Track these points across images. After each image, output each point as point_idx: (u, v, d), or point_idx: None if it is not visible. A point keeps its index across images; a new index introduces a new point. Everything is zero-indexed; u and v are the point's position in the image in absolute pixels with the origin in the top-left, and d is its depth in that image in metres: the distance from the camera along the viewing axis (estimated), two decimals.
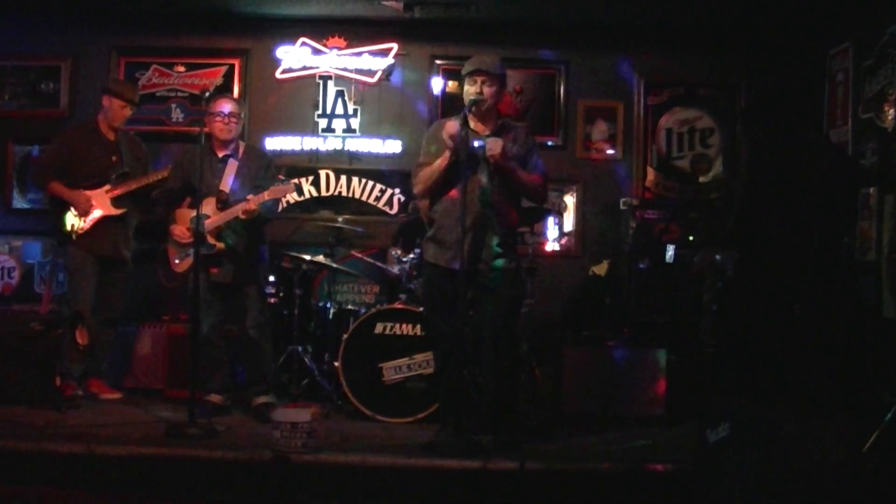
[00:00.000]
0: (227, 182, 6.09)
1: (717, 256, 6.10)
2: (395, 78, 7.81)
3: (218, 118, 6.08)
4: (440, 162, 5.12)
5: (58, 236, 6.44)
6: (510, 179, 5.13)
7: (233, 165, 6.13)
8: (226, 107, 6.11)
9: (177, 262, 6.09)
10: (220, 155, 6.16)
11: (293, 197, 7.60)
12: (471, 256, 5.03)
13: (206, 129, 5.98)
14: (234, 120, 6.12)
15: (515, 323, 5.38)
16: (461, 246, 4.93)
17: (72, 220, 6.30)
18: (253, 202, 5.89)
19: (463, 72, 5.24)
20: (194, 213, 5.87)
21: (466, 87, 5.18)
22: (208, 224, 5.96)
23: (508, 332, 5.22)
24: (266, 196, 5.88)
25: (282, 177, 6.39)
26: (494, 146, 5.01)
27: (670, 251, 6.54)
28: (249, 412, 6.05)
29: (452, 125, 5.05)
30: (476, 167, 5.08)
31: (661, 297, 6.77)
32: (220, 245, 6.01)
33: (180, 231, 6.00)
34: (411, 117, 7.74)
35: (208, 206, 6.01)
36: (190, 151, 6.18)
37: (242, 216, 5.93)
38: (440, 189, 5.21)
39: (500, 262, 5.14)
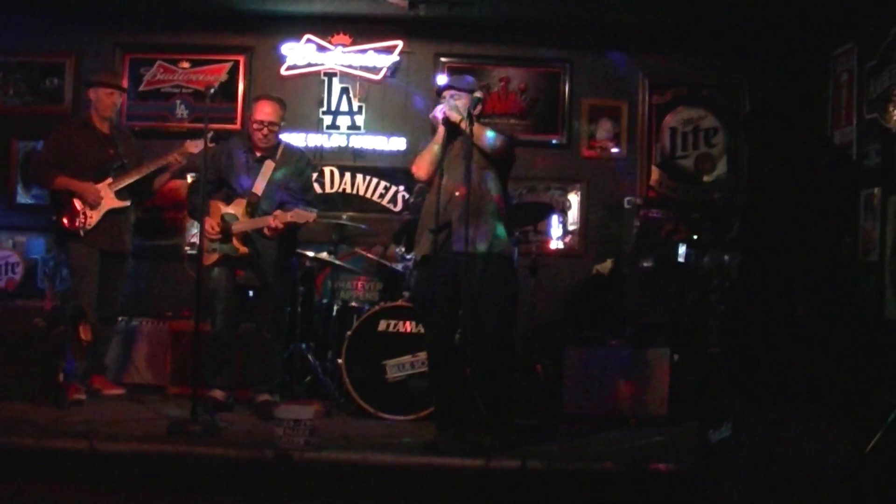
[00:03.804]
0: (261, 185, 6.11)
1: (725, 257, 6.10)
2: (400, 75, 7.81)
3: (256, 127, 6.11)
4: (437, 137, 5.40)
5: (60, 232, 6.40)
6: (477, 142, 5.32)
7: (269, 167, 6.14)
8: (265, 115, 6.12)
9: (206, 253, 6.06)
10: (258, 155, 6.17)
11: None
12: (458, 240, 5.10)
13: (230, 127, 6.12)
14: (273, 129, 6.14)
15: (511, 322, 5.39)
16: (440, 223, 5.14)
17: (79, 215, 6.27)
18: (279, 220, 5.89)
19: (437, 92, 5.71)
20: (226, 208, 6.04)
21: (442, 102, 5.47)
22: (235, 228, 5.99)
23: (503, 332, 5.24)
24: (289, 218, 5.88)
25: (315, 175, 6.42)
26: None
27: (682, 251, 6.53)
28: (252, 409, 6.07)
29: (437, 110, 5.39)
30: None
31: (664, 296, 6.76)
32: (244, 249, 6.02)
33: (210, 225, 5.99)
34: (415, 115, 7.73)
35: (238, 208, 6.04)
36: (223, 146, 6.21)
37: (267, 233, 5.96)
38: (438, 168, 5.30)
39: (493, 245, 5.20)
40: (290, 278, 6.48)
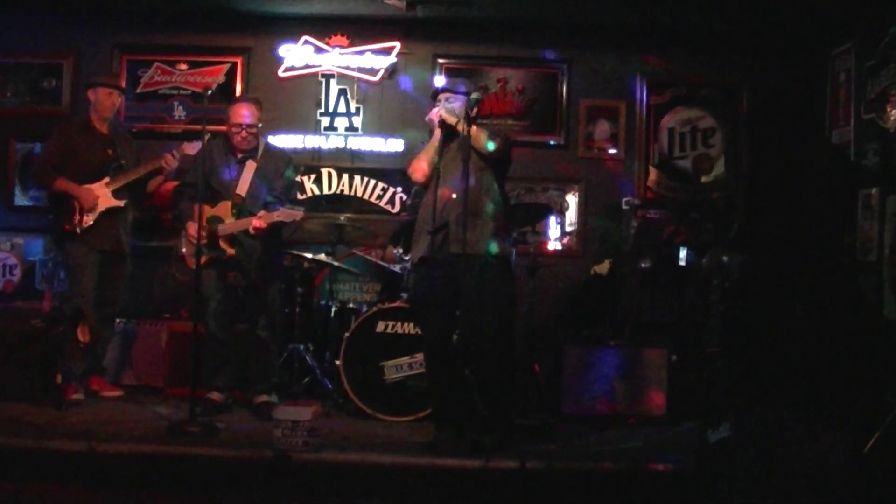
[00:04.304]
0: (244, 186, 6.09)
1: (725, 258, 6.09)
2: (398, 77, 7.81)
3: (235, 130, 6.09)
4: (433, 139, 5.42)
5: (57, 233, 6.40)
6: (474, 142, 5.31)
7: (251, 167, 6.13)
8: (244, 118, 6.10)
9: (192, 258, 6.04)
10: (239, 156, 6.16)
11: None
12: (455, 241, 5.11)
13: (224, 128, 6.14)
14: (252, 130, 6.13)
15: (509, 322, 5.39)
16: (436, 224, 5.14)
17: (76, 215, 6.27)
18: (264, 220, 5.88)
19: (432, 95, 5.70)
20: (211, 211, 6.01)
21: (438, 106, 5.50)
22: (221, 230, 5.98)
23: (502, 332, 5.23)
24: (276, 217, 5.87)
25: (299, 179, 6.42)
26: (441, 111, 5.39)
27: (683, 253, 6.53)
28: (250, 410, 6.06)
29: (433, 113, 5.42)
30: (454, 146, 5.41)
31: (663, 296, 6.76)
32: (232, 251, 6.01)
33: (195, 230, 5.96)
34: (413, 116, 7.69)
35: (223, 210, 6.03)
36: (206, 148, 6.17)
37: (252, 232, 5.94)
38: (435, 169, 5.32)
39: (491, 246, 5.20)
40: (280, 277, 6.46)
